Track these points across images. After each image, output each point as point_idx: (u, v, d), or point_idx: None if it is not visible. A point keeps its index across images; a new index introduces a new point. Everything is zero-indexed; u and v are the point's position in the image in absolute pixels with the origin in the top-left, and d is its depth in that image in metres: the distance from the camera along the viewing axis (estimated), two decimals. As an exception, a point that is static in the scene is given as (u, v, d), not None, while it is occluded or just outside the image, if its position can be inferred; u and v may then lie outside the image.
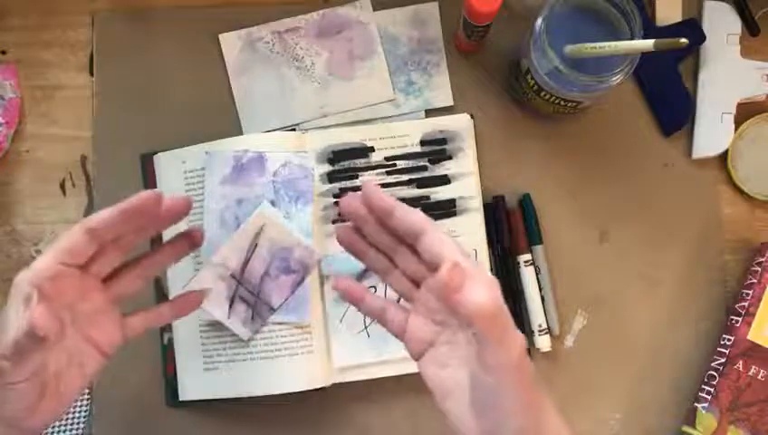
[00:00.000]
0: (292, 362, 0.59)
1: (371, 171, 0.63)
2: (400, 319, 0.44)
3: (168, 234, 0.52)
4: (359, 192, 0.44)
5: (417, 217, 0.42)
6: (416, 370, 0.62)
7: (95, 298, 0.44)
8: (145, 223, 0.44)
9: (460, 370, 0.41)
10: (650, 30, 0.63)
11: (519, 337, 0.39)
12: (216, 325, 0.60)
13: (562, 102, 0.59)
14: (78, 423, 0.61)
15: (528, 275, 0.62)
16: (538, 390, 0.40)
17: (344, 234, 0.46)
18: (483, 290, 0.37)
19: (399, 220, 0.42)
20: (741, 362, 0.60)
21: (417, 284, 0.44)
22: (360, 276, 0.61)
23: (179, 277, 0.61)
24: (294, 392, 0.59)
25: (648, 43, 0.52)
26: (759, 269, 0.62)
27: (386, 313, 0.45)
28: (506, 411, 0.38)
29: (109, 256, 0.44)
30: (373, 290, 0.61)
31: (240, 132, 0.64)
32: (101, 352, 0.45)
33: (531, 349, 0.62)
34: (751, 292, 0.61)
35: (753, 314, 0.61)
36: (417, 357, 0.44)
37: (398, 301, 0.47)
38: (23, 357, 0.39)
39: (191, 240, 0.48)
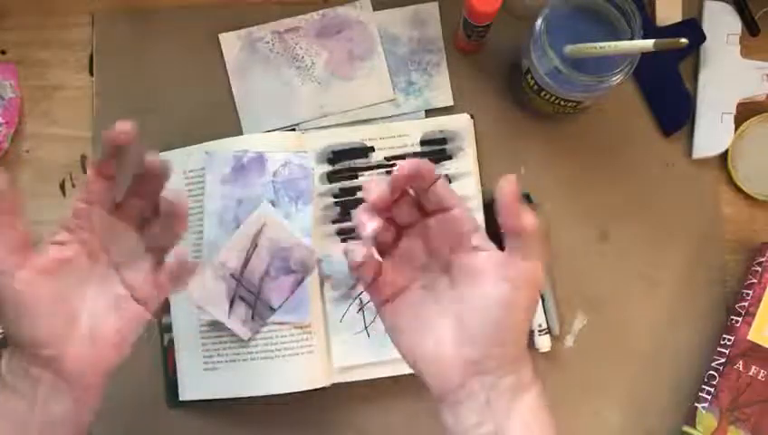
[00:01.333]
0: (292, 362, 0.59)
1: (371, 171, 0.63)
2: (372, 268, 0.43)
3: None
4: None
5: (454, 193, 0.44)
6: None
7: (129, 242, 0.46)
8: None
9: (441, 308, 0.43)
10: (650, 30, 0.63)
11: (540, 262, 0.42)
12: (215, 325, 0.60)
13: (562, 102, 0.59)
14: (78, 423, 0.61)
15: (528, 275, 0.62)
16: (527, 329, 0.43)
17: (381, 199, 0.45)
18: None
19: (440, 190, 0.43)
20: (741, 362, 0.60)
21: (399, 236, 0.45)
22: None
23: (179, 277, 0.61)
24: (294, 392, 0.59)
25: (648, 43, 0.52)
26: (759, 269, 0.62)
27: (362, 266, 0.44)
28: (499, 336, 0.41)
29: (137, 205, 0.47)
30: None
31: (240, 132, 0.64)
32: (142, 302, 0.46)
33: (531, 349, 0.63)
34: (751, 292, 0.61)
35: (753, 314, 0.61)
36: (384, 301, 0.44)
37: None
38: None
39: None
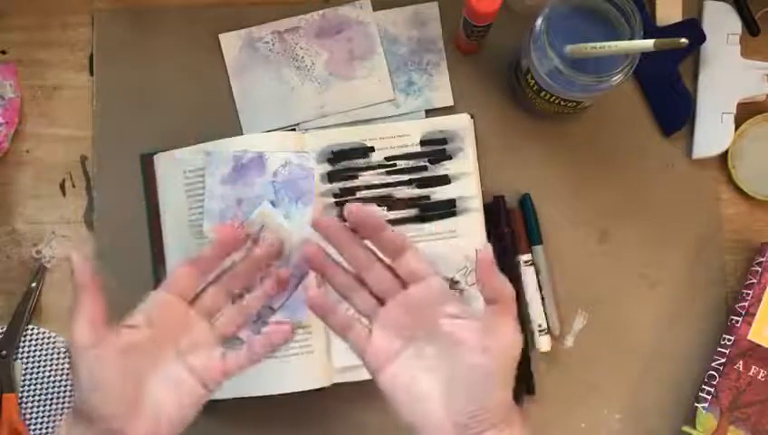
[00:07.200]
0: (292, 362, 0.59)
1: (371, 171, 0.63)
2: (365, 334, 0.47)
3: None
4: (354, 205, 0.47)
5: (401, 234, 0.47)
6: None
7: (200, 333, 0.49)
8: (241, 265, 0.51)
9: (430, 375, 0.45)
10: (650, 30, 0.63)
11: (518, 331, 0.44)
12: (216, 325, 0.60)
13: (563, 102, 0.59)
14: (78, 423, 0.61)
15: (528, 275, 0.62)
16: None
17: (316, 256, 0.49)
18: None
19: (388, 236, 0.46)
20: (741, 362, 0.60)
21: (381, 302, 0.48)
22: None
23: (179, 277, 0.61)
24: (294, 392, 0.59)
25: (648, 43, 0.52)
26: (759, 269, 0.62)
27: (351, 328, 0.48)
28: (485, 400, 0.42)
29: (214, 296, 0.50)
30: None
31: (240, 132, 0.64)
32: (203, 384, 0.47)
33: (531, 349, 0.62)
34: (751, 292, 0.61)
35: (753, 314, 0.61)
36: (376, 369, 0.47)
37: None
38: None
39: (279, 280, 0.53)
